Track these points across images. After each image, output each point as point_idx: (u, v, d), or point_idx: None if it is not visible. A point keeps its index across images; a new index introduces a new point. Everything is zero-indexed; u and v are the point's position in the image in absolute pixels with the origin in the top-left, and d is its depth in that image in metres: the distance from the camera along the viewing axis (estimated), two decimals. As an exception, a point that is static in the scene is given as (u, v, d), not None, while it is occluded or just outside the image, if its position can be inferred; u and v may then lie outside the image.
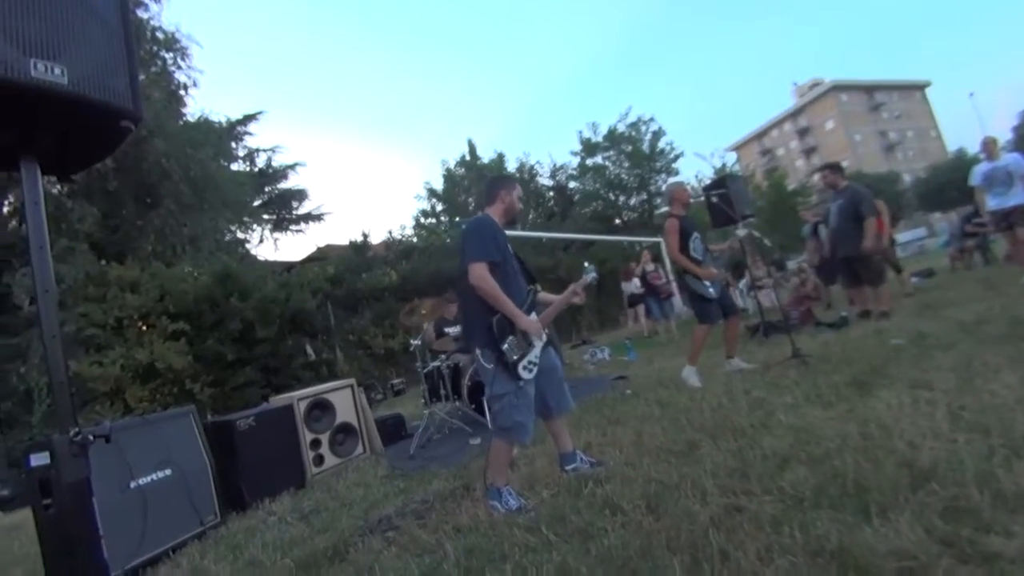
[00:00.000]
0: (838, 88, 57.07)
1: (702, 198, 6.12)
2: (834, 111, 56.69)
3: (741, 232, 4.81)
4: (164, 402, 8.52)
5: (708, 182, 16.51)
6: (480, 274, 2.27)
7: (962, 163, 35.03)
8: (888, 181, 34.11)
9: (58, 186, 11.09)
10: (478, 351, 2.39)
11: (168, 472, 2.92)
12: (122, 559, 2.50)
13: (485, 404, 2.47)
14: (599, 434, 3.21)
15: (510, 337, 2.30)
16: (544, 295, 2.72)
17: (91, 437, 1.16)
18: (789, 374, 3.73)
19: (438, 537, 2.13)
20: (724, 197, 4.89)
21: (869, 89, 58.45)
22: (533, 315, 2.47)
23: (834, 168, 5.79)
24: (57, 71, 1.12)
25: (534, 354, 2.38)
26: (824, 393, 3.01)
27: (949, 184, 32.89)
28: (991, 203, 5.60)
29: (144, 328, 9.01)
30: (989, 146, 5.65)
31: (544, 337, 2.49)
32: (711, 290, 4.21)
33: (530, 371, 2.33)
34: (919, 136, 58.97)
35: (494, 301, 2.28)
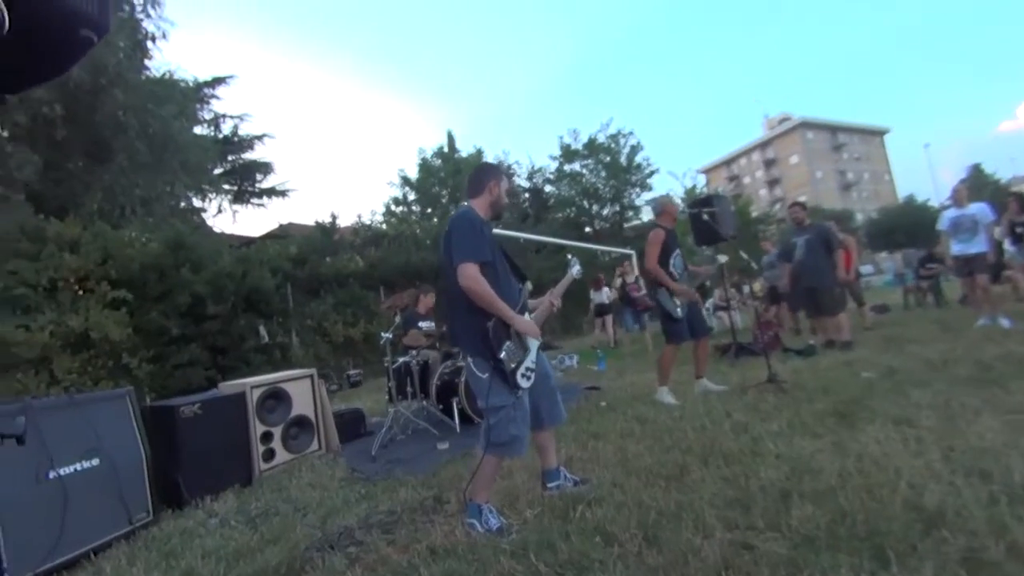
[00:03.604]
0: (805, 125, 59.80)
1: (685, 215, 6.10)
2: (799, 147, 59.36)
3: (722, 259, 4.73)
4: (96, 376, 7.79)
5: (684, 200, 16.85)
6: (471, 275, 2.04)
7: (911, 209, 37.47)
8: (843, 218, 35.94)
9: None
10: (470, 360, 2.18)
11: (96, 462, 2.55)
12: (33, 561, 2.14)
13: (485, 417, 2.18)
14: (579, 448, 3.06)
15: (507, 343, 2.11)
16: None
17: None
18: (767, 399, 3.70)
19: (410, 558, 1.90)
20: (713, 215, 4.88)
21: (833, 129, 61.53)
22: (527, 315, 2.29)
23: (802, 206, 6.19)
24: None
25: (531, 359, 2.20)
26: (809, 422, 2.97)
27: (897, 227, 35.04)
28: (955, 248, 5.83)
29: (81, 292, 8.23)
30: (959, 194, 5.88)
31: (540, 339, 2.31)
32: (679, 310, 4.15)
33: (528, 379, 2.15)
34: (874, 179, 62.54)
35: (488, 304, 2.07)
